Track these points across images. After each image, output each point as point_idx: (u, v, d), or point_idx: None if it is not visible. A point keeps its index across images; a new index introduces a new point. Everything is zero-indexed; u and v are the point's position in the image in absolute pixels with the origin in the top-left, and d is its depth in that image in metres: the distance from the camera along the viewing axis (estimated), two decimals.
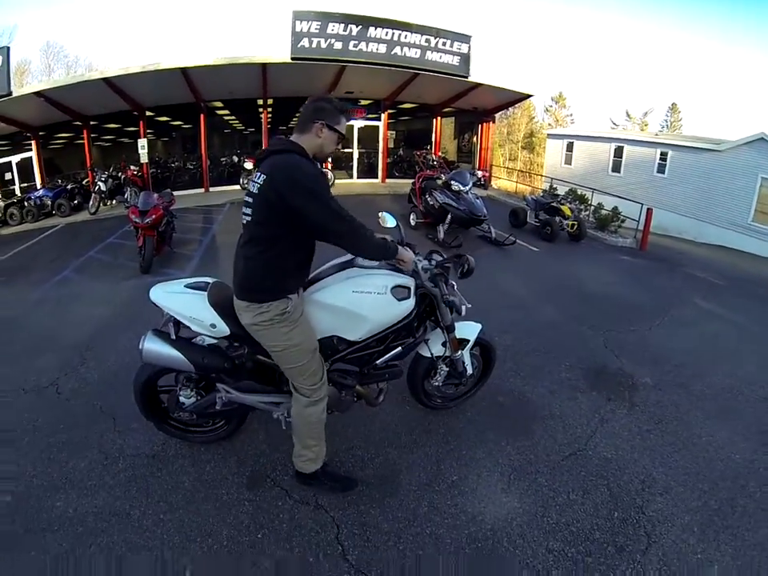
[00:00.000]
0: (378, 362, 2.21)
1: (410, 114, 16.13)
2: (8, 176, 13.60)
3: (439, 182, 7.88)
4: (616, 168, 17.44)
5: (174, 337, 2.03)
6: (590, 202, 10.35)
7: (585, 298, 5.19)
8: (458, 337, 2.40)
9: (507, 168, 24.57)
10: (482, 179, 14.09)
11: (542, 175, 19.03)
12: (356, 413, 2.63)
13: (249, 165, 12.62)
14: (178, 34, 52.13)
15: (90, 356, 3.63)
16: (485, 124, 15.08)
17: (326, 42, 10.45)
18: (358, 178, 14.95)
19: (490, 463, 2.40)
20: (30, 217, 11.27)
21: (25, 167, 13.48)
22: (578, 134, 19.90)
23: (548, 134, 22.74)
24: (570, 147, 19.41)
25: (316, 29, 10.38)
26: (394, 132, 16.14)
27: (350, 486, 2.16)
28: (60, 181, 12.57)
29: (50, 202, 11.46)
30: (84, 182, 12.57)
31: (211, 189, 13.42)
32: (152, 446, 2.47)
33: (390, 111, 14.79)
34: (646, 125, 35.88)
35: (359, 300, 2.01)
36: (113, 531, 1.95)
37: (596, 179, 16.07)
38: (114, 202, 11.39)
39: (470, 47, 11.72)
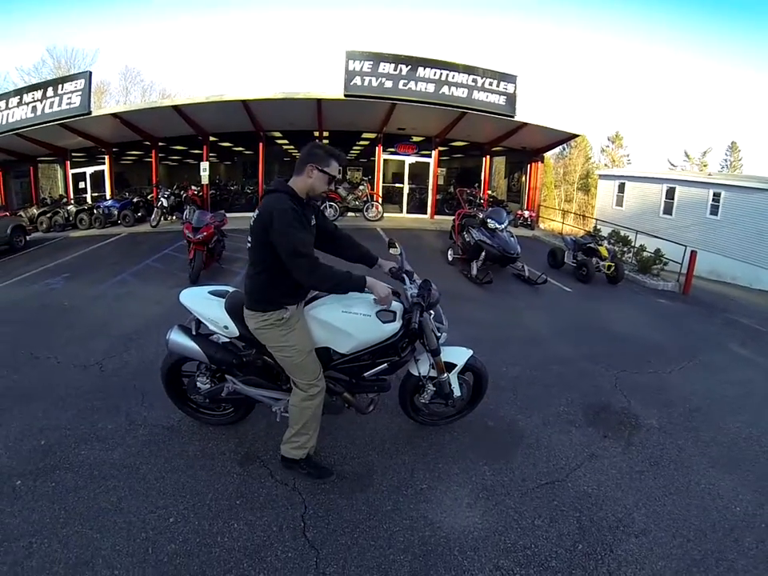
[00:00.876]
0: (365, 374, 2.55)
1: (462, 151, 16.76)
2: (81, 185, 15.71)
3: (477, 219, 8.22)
4: (667, 210, 17.13)
5: (194, 333, 2.54)
6: (633, 244, 10.23)
7: (608, 338, 5.21)
8: (446, 361, 2.65)
9: (562, 210, 24.44)
10: (529, 219, 14.19)
11: (593, 218, 18.86)
12: (350, 418, 2.96)
13: None
14: (242, 66, 58.73)
15: (134, 344, 4.32)
16: (533, 164, 15.36)
17: (377, 80, 11.39)
18: (407, 212, 15.55)
19: (462, 479, 2.56)
20: (97, 223, 12.86)
21: (97, 178, 15.50)
22: (629, 175, 19.74)
23: (599, 175, 22.63)
24: (621, 188, 19.27)
25: (368, 68, 11.37)
26: (445, 169, 16.78)
27: (324, 475, 2.47)
28: (127, 194, 14.22)
29: (116, 212, 13.03)
30: (149, 197, 14.09)
31: None
32: (169, 421, 2.98)
33: (441, 149, 15.45)
34: (704, 165, 34.73)
35: (347, 319, 2.36)
36: (121, 478, 2.44)
37: (646, 221, 15.84)
38: (173, 217, 12.69)
39: (515, 87, 12.23)
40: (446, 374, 2.64)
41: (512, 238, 7.53)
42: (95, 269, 8.02)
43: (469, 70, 11.88)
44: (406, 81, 11.51)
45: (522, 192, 16.06)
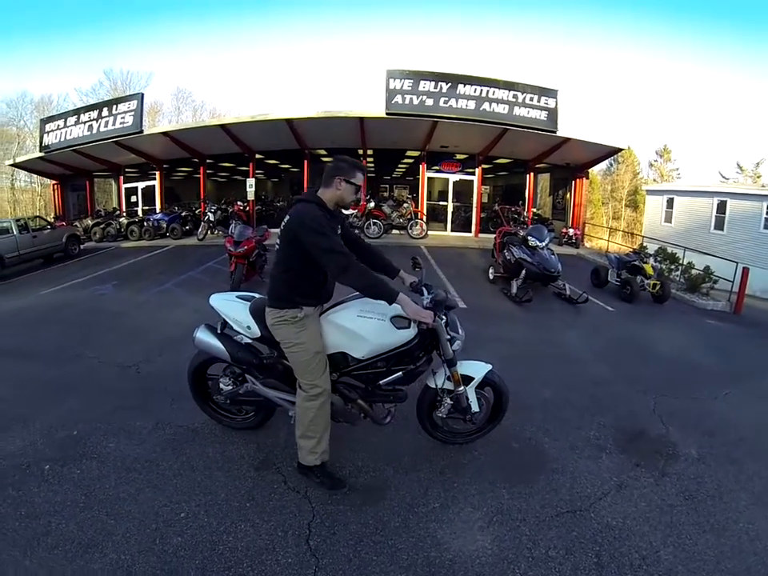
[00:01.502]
0: (381, 382, 2.58)
1: (506, 169, 16.68)
2: (133, 199, 17.00)
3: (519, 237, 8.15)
4: (719, 225, 16.22)
5: (219, 331, 2.72)
6: (681, 261, 9.73)
7: (649, 360, 4.98)
8: (464, 374, 2.64)
9: (609, 228, 23.58)
10: (574, 237, 13.84)
11: (641, 235, 18.12)
12: (370, 431, 2.98)
13: (347, 210, 14.00)
14: (287, 84, 62.02)
15: (170, 350, 4.58)
16: (578, 180, 15.09)
17: (417, 98, 11.67)
18: (452, 231, 15.62)
19: (477, 500, 2.49)
20: (147, 235, 13.83)
21: (148, 193, 16.73)
22: (677, 190, 18.95)
23: (647, 191, 21.81)
24: (669, 204, 18.50)
25: (408, 86, 11.68)
26: (489, 187, 16.71)
27: (337, 486, 2.49)
28: (176, 208, 15.23)
29: (165, 225, 13.98)
30: (196, 212, 15.02)
31: None
32: (194, 423, 3.14)
33: (485, 166, 15.47)
34: (758, 176, 32.59)
35: (362, 323, 2.44)
36: (142, 472, 2.62)
37: (697, 237, 15.11)
38: (219, 231, 13.41)
39: (556, 101, 12.14)
40: (462, 387, 2.63)
41: (553, 256, 7.43)
42: (142, 278, 8.61)
43: (509, 85, 11.95)
44: (446, 98, 11.72)
45: (566, 209, 15.77)
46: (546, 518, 2.40)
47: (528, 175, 15.69)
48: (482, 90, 11.79)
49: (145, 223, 14.11)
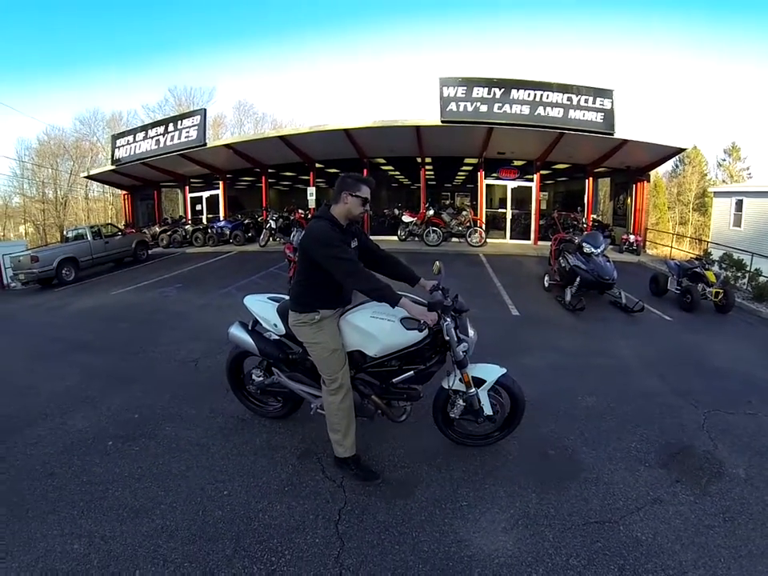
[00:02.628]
0: (394, 380, 2.75)
1: (566, 174, 16.21)
2: (198, 207, 18.31)
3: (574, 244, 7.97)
4: None
5: (250, 328, 3.06)
6: (748, 268, 8.99)
7: (704, 372, 4.72)
8: (476, 376, 2.74)
9: (675, 233, 21.96)
10: (635, 244, 13.18)
11: (708, 241, 16.81)
12: (410, 430, 3.18)
13: (406, 218, 14.25)
14: (345, 94, 63.82)
15: (227, 348, 4.94)
16: (639, 184, 14.30)
17: (471, 105, 11.69)
18: (511, 238, 15.41)
19: (505, 503, 2.55)
20: (210, 242, 14.81)
21: (212, 202, 17.90)
22: (747, 191, 17.26)
23: (714, 192, 20.11)
24: (738, 206, 16.98)
25: (462, 93, 11.72)
26: (547, 193, 16.31)
27: (370, 478, 2.69)
28: (239, 216, 16.19)
29: (228, 232, 14.90)
30: (258, 219, 15.86)
31: (371, 237, 15.17)
32: (244, 414, 3.47)
33: (544, 172, 15.13)
34: None
35: (374, 323, 2.64)
36: (193, 453, 3.00)
37: None
38: (280, 238, 14.12)
39: (612, 102, 11.66)
40: (474, 390, 2.72)
41: (608, 263, 7.19)
42: (205, 281, 9.33)
43: (563, 88, 11.68)
44: (500, 104, 11.66)
45: (627, 215, 15.02)
46: (572, 526, 2.40)
47: (587, 180, 15.17)
48: (535, 94, 11.63)
49: (209, 230, 15.13)
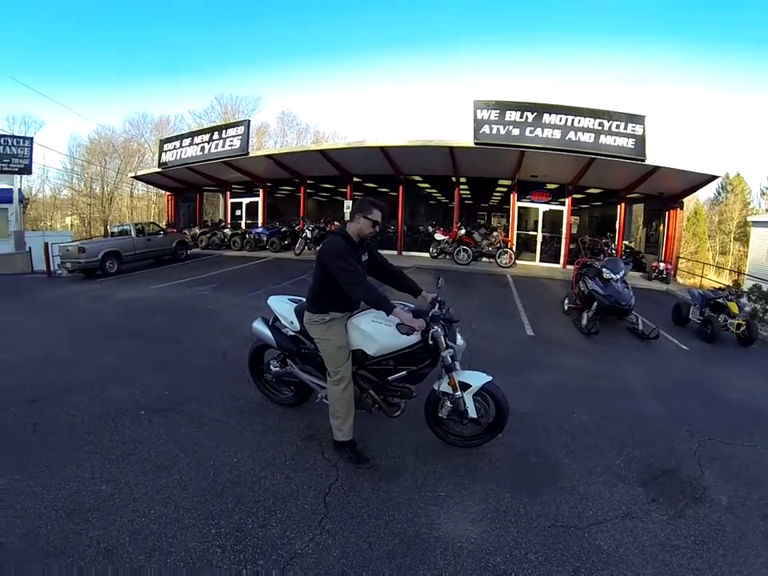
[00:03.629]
0: (390, 378, 3.13)
1: (599, 199, 16.19)
2: (238, 212, 19.28)
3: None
4: None
5: (270, 324, 3.52)
6: None
7: (711, 403, 4.73)
8: (462, 381, 3.03)
9: (716, 265, 21.07)
10: (665, 272, 13.00)
11: (745, 273, 16.14)
12: (407, 425, 3.50)
13: (439, 236, 14.61)
14: (386, 109, 65.64)
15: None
16: (671, 211, 14.17)
17: (504, 128, 12.02)
18: (540, 261, 15.52)
19: (480, 498, 2.79)
20: (248, 246, 15.58)
21: (252, 208, 18.81)
22: None
23: (752, 222, 19.05)
24: None
25: (495, 116, 12.09)
26: (578, 217, 16.30)
27: (361, 461, 3.05)
28: (277, 223, 16.88)
29: (265, 238, 15.61)
30: (295, 228, 16.51)
31: (404, 253, 15.85)
32: (261, 400, 3.92)
33: (577, 196, 15.20)
34: None
35: (374, 326, 3.03)
36: (213, 426, 3.51)
37: None
38: (316, 248, 14.71)
39: (644, 128, 11.67)
40: (459, 393, 3.01)
41: (626, 290, 7.28)
42: (239, 283, 9.96)
43: (594, 113, 11.84)
44: (532, 128, 11.93)
45: (659, 242, 14.85)
46: (537, 526, 2.57)
47: (619, 206, 15.12)
48: (567, 118, 11.84)
49: (247, 235, 15.94)
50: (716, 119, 61.40)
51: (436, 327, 2.89)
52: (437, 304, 3.07)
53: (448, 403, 3.11)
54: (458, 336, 3.15)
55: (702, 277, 15.33)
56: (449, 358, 2.96)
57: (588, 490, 2.96)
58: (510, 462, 3.21)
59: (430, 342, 2.91)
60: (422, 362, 3.09)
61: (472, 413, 3.07)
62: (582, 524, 2.61)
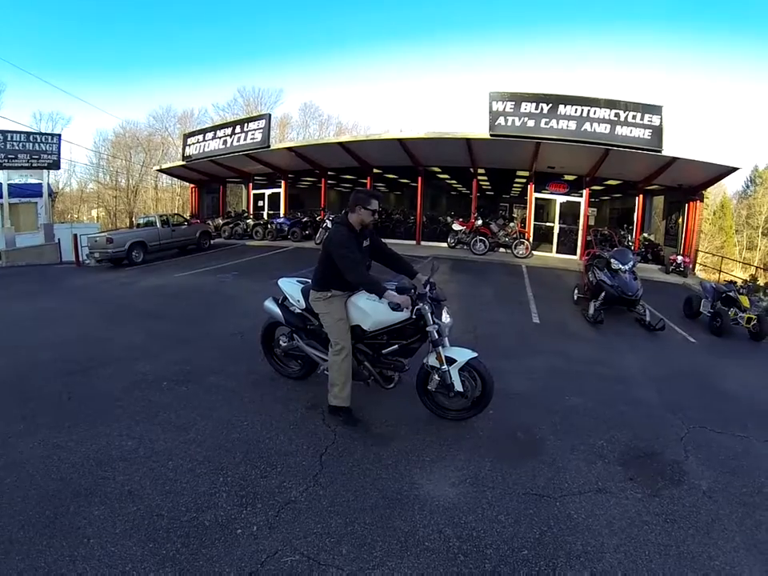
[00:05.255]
0: (383, 351, 3.45)
1: (619, 191, 16.04)
2: (260, 203, 19.83)
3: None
4: None
5: (279, 302, 3.89)
6: None
7: (710, 394, 4.75)
8: (448, 356, 3.30)
9: (742, 261, 20.35)
10: (683, 265, 12.85)
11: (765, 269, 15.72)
12: (405, 400, 3.76)
13: (456, 226, 14.75)
14: (406, 100, 66.34)
15: None
16: (691, 203, 13.91)
17: (519, 120, 12.07)
18: (557, 252, 15.55)
19: (462, 464, 3.01)
20: (269, 236, 16.04)
21: (273, 199, 19.36)
22: None
23: None
24: None
25: (510, 108, 12.14)
26: (596, 209, 16.17)
27: (352, 423, 3.43)
28: (298, 214, 17.33)
29: (286, 229, 16.04)
30: (317, 218, 16.86)
31: (422, 243, 15.96)
32: (274, 374, 4.30)
33: (596, 188, 15.10)
34: None
35: (368, 303, 3.35)
36: (227, 395, 3.93)
37: None
38: None
39: (661, 119, 11.52)
40: (446, 366, 3.29)
41: (634, 281, 7.36)
42: (260, 271, 10.40)
43: (610, 104, 11.75)
44: (547, 119, 11.94)
45: (678, 235, 14.63)
46: (512, 492, 2.76)
47: (637, 198, 14.95)
48: (582, 110, 11.79)
49: (269, 225, 16.41)
50: (747, 110, 59.23)
51: (422, 304, 3.19)
52: (428, 285, 3.38)
53: (436, 376, 3.39)
54: (445, 314, 3.43)
55: (719, 271, 15.01)
56: (435, 333, 3.25)
57: (567, 465, 3.09)
58: (495, 436, 3.40)
59: (414, 317, 3.24)
60: (412, 337, 3.40)
61: (458, 386, 3.34)
62: (555, 494, 2.76)
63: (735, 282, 8.35)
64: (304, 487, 2.71)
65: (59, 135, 17.57)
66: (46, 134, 18.46)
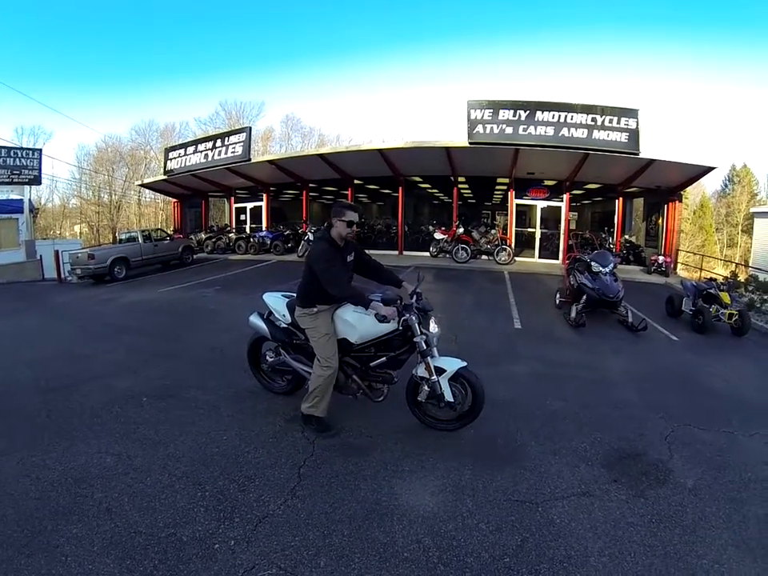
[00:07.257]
0: (372, 364, 3.44)
1: (598, 194, 16.32)
2: (242, 217, 19.77)
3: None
4: None
5: (265, 317, 3.86)
6: None
7: (693, 391, 4.76)
8: (438, 366, 3.29)
9: (723, 259, 20.86)
10: (664, 265, 13.10)
11: (745, 265, 16.07)
12: (383, 411, 3.76)
13: (438, 235, 14.85)
14: (386, 115, 66.38)
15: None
16: (670, 204, 14.24)
17: (497, 127, 12.28)
18: (539, 257, 15.71)
19: (442, 473, 2.99)
20: (252, 250, 16.03)
21: (256, 212, 19.31)
22: None
23: (754, 213, 19.06)
24: None
25: (488, 116, 12.35)
26: (577, 213, 16.46)
27: (325, 430, 3.46)
28: (280, 227, 17.30)
29: (269, 242, 16.04)
30: (299, 231, 16.79)
31: (405, 252, 16.06)
32: (254, 387, 4.28)
33: (577, 192, 15.34)
34: None
35: (355, 316, 3.35)
36: (206, 409, 3.94)
37: None
38: None
39: (637, 122, 11.81)
40: (435, 377, 3.28)
41: (615, 282, 7.45)
42: (242, 285, 10.37)
43: (587, 109, 12.02)
44: (525, 126, 12.17)
45: (659, 235, 14.92)
46: (493, 500, 2.73)
47: (617, 200, 15.24)
48: (559, 115, 12.03)
49: (251, 239, 16.41)
50: (723, 111, 61.21)
51: (409, 315, 3.20)
52: (414, 296, 3.39)
53: (426, 387, 3.37)
54: (433, 324, 3.40)
55: (701, 269, 15.28)
56: (423, 344, 3.24)
57: (549, 470, 3.07)
58: (476, 444, 3.38)
59: (401, 328, 3.25)
60: (400, 348, 3.39)
61: (448, 396, 3.31)
62: (537, 500, 2.74)
63: (715, 279, 8.48)
64: (282, 500, 2.70)
65: (40, 150, 17.48)
66: (26, 148, 18.40)
